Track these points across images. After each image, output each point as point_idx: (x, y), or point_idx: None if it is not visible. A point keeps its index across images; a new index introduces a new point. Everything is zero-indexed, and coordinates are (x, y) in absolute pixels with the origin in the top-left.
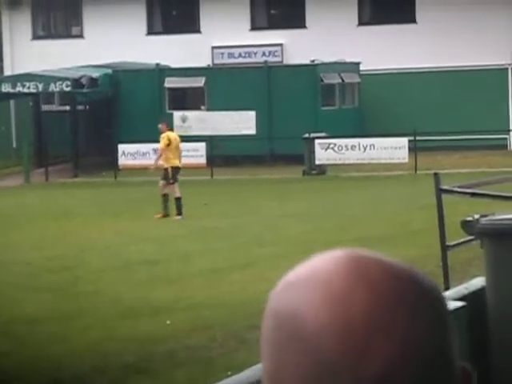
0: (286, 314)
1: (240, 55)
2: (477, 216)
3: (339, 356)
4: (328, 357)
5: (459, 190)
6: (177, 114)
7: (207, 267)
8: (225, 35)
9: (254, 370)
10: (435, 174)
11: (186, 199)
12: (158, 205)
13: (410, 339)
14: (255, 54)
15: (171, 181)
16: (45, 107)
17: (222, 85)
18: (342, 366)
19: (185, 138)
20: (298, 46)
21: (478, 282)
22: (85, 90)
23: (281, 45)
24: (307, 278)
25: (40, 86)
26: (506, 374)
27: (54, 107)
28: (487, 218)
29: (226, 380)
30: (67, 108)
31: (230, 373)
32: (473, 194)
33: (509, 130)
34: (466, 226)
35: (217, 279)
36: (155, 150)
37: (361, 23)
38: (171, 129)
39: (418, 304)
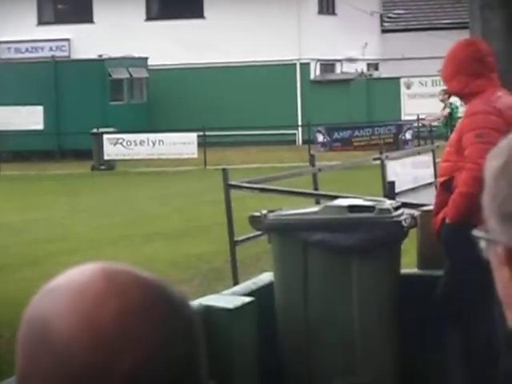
0: (38, 320)
1: (27, 50)
2: (264, 211)
3: (86, 360)
4: (75, 361)
5: (247, 185)
6: None
7: None
8: (11, 30)
9: None
10: (223, 170)
11: None
12: None
13: (154, 349)
14: (42, 48)
15: None
16: None
17: (9, 80)
18: (89, 370)
19: None
20: (85, 41)
21: (266, 276)
22: None
23: (68, 40)
24: (62, 287)
25: None
26: (294, 366)
27: None
28: (274, 214)
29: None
30: None
31: None
32: (261, 190)
33: (297, 126)
34: (254, 221)
35: (4, 276)
36: None
37: (149, 18)
38: None
39: (164, 316)
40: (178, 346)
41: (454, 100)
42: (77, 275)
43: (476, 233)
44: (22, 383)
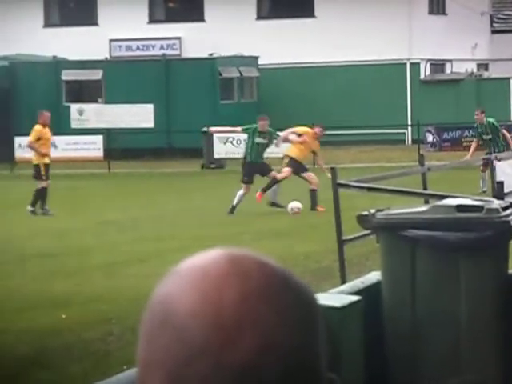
0: (160, 301)
1: (138, 48)
2: (373, 210)
3: (204, 343)
4: (194, 341)
5: (356, 184)
6: (74, 107)
7: (104, 261)
8: (123, 28)
9: None
10: (332, 169)
11: (83, 192)
12: (56, 197)
13: (275, 336)
14: (153, 47)
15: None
16: None
17: (120, 78)
18: (206, 351)
19: (82, 131)
20: (196, 40)
21: (374, 276)
22: None
23: (179, 38)
24: (185, 270)
25: None
26: (400, 366)
27: None
28: (383, 213)
29: (121, 374)
30: None
31: (125, 367)
32: (369, 189)
33: (407, 125)
34: (362, 220)
35: (114, 273)
36: (52, 143)
37: (259, 17)
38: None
39: (287, 303)
40: (298, 335)
41: None
42: (201, 259)
43: None
44: (144, 369)
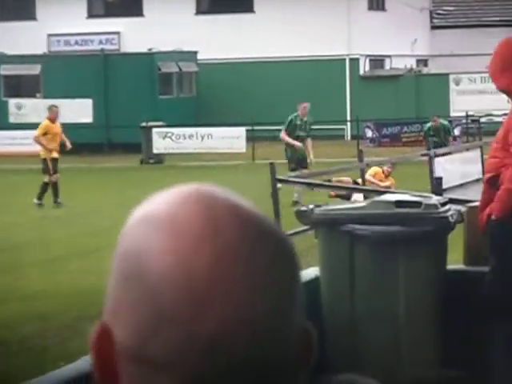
0: (133, 253)
1: (76, 43)
2: (311, 206)
3: (175, 307)
4: (164, 305)
5: (295, 179)
6: (12, 102)
7: (43, 257)
8: (61, 23)
9: (87, 360)
10: (271, 164)
11: (22, 188)
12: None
13: (249, 305)
14: (92, 41)
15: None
16: None
17: (58, 72)
18: (176, 319)
19: (20, 126)
20: (135, 35)
21: (313, 271)
22: None
23: (118, 33)
24: (160, 220)
25: None
26: (339, 360)
27: None
28: (321, 208)
29: (59, 370)
30: None
31: (63, 363)
32: (308, 184)
33: (346, 121)
34: (301, 215)
35: (52, 269)
36: None
37: (199, 12)
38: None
39: (264, 266)
40: (274, 302)
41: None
42: (174, 207)
43: None
44: (111, 314)
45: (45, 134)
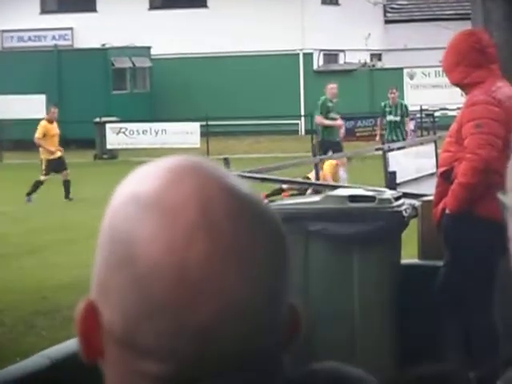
0: (122, 237)
1: (30, 39)
2: (265, 201)
3: (166, 298)
4: (155, 295)
5: (249, 174)
6: None
7: None
8: (14, 18)
9: (42, 356)
10: (225, 159)
11: None
12: None
13: (240, 301)
14: (45, 37)
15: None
16: None
17: (12, 68)
18: (167, 309)
19: None
20: (88, 30)
21: None
22: None
23: (71, 28)
24: (151, 202)
25: None
26: (295, 360)
27: None
28: (275, 204)
29: (14, 365)
30: None
31: (18, 359)
32: (262, 179)
33: (300, 116)
34: None
35: (4, 265)
36: None
37: (152, 7)
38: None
39: (256, 259)
40: (265, 296)
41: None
42: (168, 186)
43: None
44: (99, 294)
45: (44, 135)
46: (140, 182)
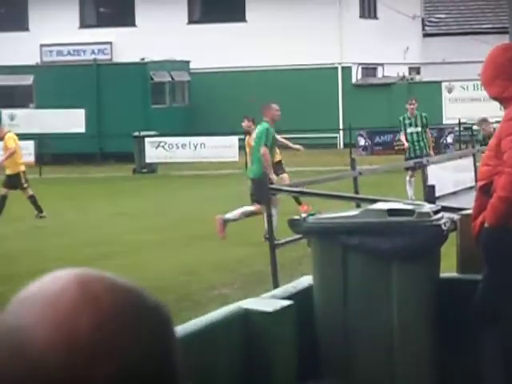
0: (11, 331)
1: (69, 53)
2: (304, 215)
3: (60, 377)
4: (50, 375)
5: (287, 188)
6: (5, 112)
7: (36, 267)
8: (53, 33)
9: None
10: (263, 173)
11: (14, 198)
12: None
13: (133, 362)
14: (84, 51)
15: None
16: None
17: (51, 83)
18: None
19: None
20: (127, 44)
21: (306, 280)
22: None
23: (110, 43)
24: (34, 297)
25: None
26: (333, 372)
27: None
28: (314, 217)
29: None
30: None
31: None
32: (300, 193)
33: (339, 129)
34: (294, 224)
35: None
36: None
37: (191, 21)
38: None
39: (141, 329)
40: (156, 357)
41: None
42: (50, 283)
43: None
44: None
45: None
46: (25, 288)
